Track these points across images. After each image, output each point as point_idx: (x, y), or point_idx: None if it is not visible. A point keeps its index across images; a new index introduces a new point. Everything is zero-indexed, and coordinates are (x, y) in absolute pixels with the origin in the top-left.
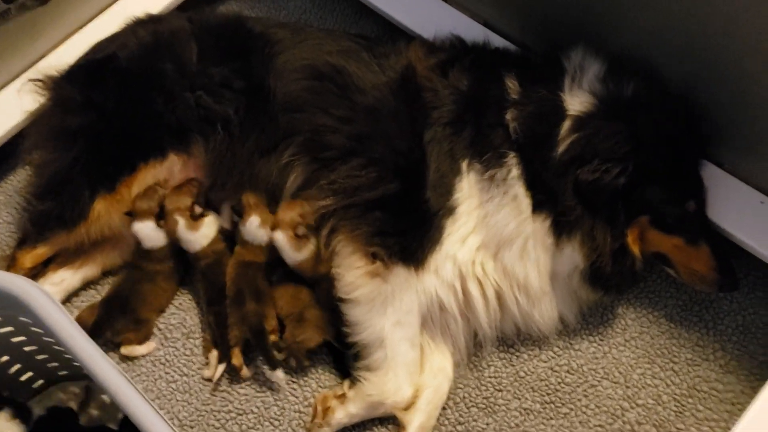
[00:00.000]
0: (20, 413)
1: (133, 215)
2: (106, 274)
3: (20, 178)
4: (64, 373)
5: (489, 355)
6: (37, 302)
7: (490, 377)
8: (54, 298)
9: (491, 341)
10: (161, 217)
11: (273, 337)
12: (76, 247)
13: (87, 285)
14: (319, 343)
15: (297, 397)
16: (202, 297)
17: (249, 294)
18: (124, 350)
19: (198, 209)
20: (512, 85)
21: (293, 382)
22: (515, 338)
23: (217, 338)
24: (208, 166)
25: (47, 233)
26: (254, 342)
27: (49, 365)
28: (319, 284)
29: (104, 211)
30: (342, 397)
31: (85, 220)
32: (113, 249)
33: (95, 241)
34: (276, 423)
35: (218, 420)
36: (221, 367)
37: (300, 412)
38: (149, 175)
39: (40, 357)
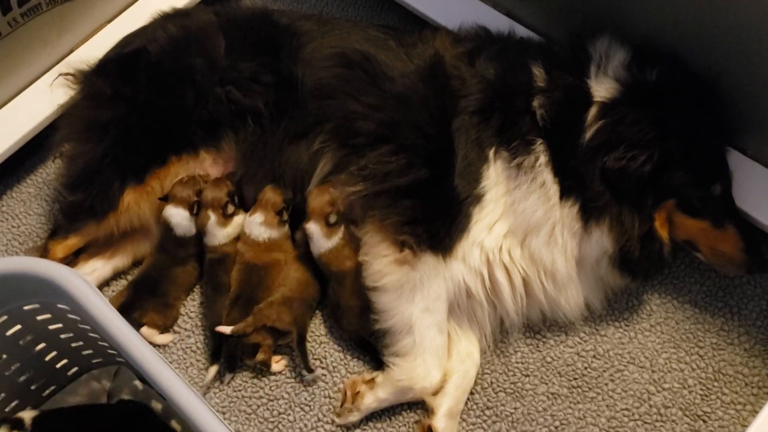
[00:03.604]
0: (16, 424)
1: (167, 200)
2: (136, 263)
3: (50, 170)
4: (98, 360)
5: (516, 341)
6: (77, 289)
7: (517, 362)
8: (93, 284)
9: (518, 327)
10: (196, 207)
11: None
12: (106, 237)
13: (117, 275)
14: (282, 327)
15: (327, 383)
16: (206, 292)
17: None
18: (144, 331)
19: (231, 208)
20: (539, 72)
21: (323, 368)
22: (541, 324)
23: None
24: (239, 159)
25: (78, 224)
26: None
27: (84, 353)
28: (340, 281)
29: (134, 202)
30: (371, 383)
31: (114, 210)
32: (143, 239)
33: (125, 231)
34: (306, 408)
35: (249, 406)
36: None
37: (330, 397)
38: (181, 169)
39: (75, 344)
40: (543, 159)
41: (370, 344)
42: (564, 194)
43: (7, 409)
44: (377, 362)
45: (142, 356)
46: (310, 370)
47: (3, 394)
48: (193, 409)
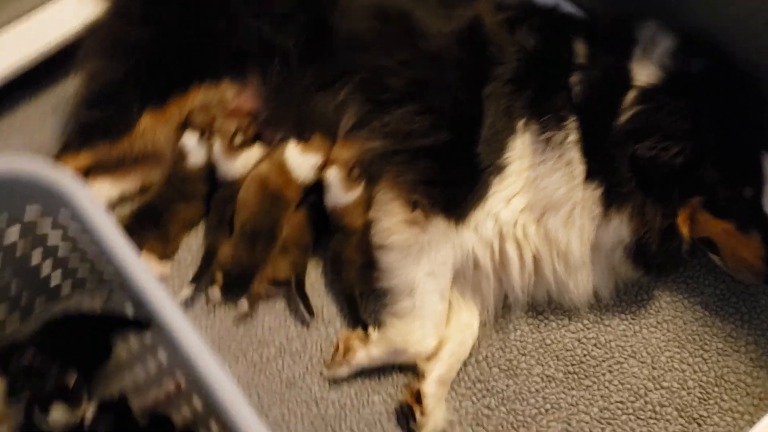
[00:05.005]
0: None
1: (185, 127)
2: (143, 190)
3: (70, 88)
4: (92, 284)
5: (517, 318)
6: (82, 198)
7: (515, 340)
8: (99, 199)
9: (521, 305)
10: (207, 134)
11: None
12: (118, 159)
13: (123, 200)
14: (284, 277)
15: (320, 335)
16: (210, 221)
17: (264, 236)
18: (143, 254)
19: (239, 139)
20: (580, 49)
21: (319, 318)
22: (546, 306)
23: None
24: (263, 98)
25: (91, 142)
26: (237, 283)
27: (79, 275)
28: (347, 236)
29: (150, 127)
30: (365, 340)
31: (130, 133)
32: (154, 166)
33: (137, 156)
34: (297, 357)
35: (240, 347)
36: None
37: (321, 349)
38: (202, 98)
39: (71, 264)
40: (573, 137)
41: (357, 304)
42: (589, 176)
43: None
44: (358, 323)
45: (136, 273)
46: (312, 313)
47: None
48: (182, 333)
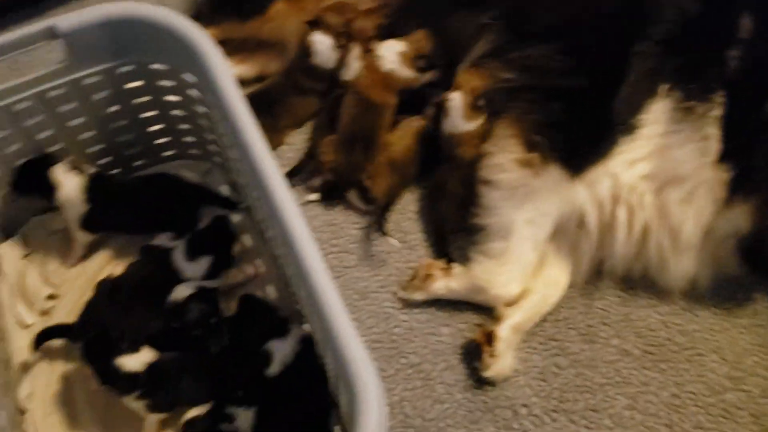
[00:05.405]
0: None
1: (316, 25)
2: (258, 80)
3: None
4: (195, 152)
5: (606, 287)
6: (217, 67)
7: (599, 308)
8: (232, 69)
9: (614, 275)
10: (344, 38)
11: None
12: (244, 40)
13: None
14: (375, 196)
15: (402, 257)
16: (320, 120)
17: (361, 143)
18: None
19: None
20: (746, 24)
21: (404, 242)
22: (638, 281)
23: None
24: (402, 6)
25: (221, 17)
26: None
27: (185, 138)
28: (456, 166)
29: (282, 14)
30: (447, 270)
31: (261, 15)
32: (276, 56)
33: (263, 40)
34: (375, 271)
35: (321, 250)
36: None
37: (400, 271)
38: None
39: (181, 126)
40: (717, 112)
41: (446, 237)
42: (723, 156)
43: (100, 162)
44: (442, 256)
45: (255, 148)
46: (385, 234)
47: (102, 146)
48: (291, 218)
